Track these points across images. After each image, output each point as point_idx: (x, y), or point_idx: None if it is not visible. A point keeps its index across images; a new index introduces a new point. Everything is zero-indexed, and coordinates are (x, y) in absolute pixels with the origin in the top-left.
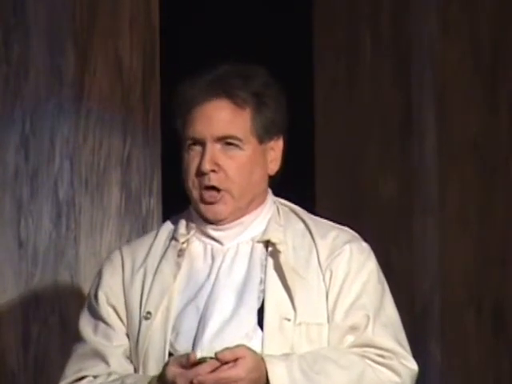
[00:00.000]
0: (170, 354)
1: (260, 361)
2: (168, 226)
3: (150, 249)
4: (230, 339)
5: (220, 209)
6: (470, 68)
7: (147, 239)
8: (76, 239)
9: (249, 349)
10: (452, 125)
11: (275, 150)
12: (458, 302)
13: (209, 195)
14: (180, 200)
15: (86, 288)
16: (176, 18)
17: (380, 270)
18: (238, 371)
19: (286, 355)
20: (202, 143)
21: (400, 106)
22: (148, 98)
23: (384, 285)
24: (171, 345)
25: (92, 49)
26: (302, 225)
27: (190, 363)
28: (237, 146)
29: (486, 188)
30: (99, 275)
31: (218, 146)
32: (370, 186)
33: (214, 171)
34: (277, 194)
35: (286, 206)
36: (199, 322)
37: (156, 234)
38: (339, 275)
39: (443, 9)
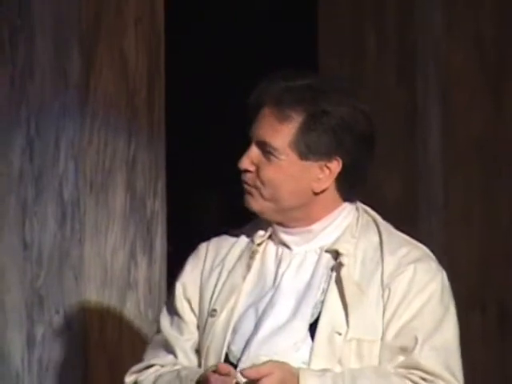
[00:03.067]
0: (226, 354)
1: (293, 375)
2: (253, 225)
3: (231, 247)
4: (277, 347)
5: (250, 201)
6: (474, 66)
7: (233, 236)
8: (81, 240)
9: (278, 363)
10: (457, 124)
11: (324, 170)
12: (462, 303)
13: (244, 187)
14: (184, 201)
15: (91, 288)
16: (181, 19)
17: (447, 291)
18: None
19: (323, 371)
20: (251, 142)
21: (404, 105)
22: (153, 99)
23: (448, 307)
24: (228, 344)
25: (97, 50)
26: (377, 238)
27: (218, 372)
28: (272, 153)
29: (490, 188)
30: (184, 266)
31: (259, 148)
32: (374, 186)
33: (248, 171)
34: None
35: (370, 215)
36: (255, 326)
37: (241, 233)
38: (397, 294)
39: (448, 7)
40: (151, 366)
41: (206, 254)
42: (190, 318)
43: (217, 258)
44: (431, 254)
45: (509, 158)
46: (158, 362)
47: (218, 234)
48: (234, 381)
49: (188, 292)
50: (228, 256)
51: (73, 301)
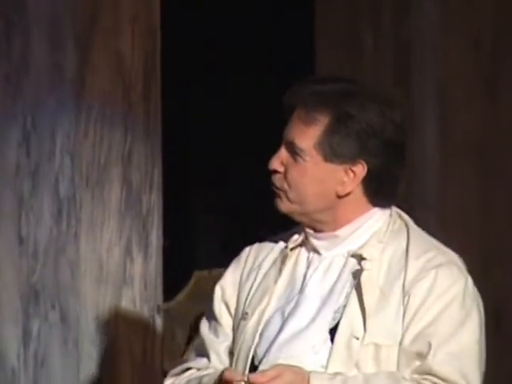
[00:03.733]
0: (253, 357)
1: (303, 377)
2: (292, 231)
3: (269, 252)
4: (296, 350)
5: (278, 203)
6: (471, 64)
7: (272, 242)
8: (76, 235)
9: (288, 366)
10: (453, 122)
11: (348, 174)
12: None
13: (273, 190)
14: (180, 196)
15: (87, 284)
16: (177, 14)
17: (469, 296)
18: None
19: (335, 375)
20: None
21: (401, 104)
22: (149, 94)
23: (470, 313)
24: (255, 347)
25: (93, 45)
26: (405, 243)
27: (223, 382)
28: (298, 154)
29: (486, 186)
30: (227, 269)
31: (288, 150)
32: None
33: (277, 172)
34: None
35: (403, 220)
36: (279, 329)
37: (280, 239)
38: (417, 300)
39: (444, 4)
40: (188, 369)
41: (247, 258)
42: (226, 321)
43: (255, 262)
44: (457, 259)
45: (505, 156)
46: (194, 366)
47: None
48: (239, 380)
49: (226, 295)
50: (265, 260)
51: (68, 296)
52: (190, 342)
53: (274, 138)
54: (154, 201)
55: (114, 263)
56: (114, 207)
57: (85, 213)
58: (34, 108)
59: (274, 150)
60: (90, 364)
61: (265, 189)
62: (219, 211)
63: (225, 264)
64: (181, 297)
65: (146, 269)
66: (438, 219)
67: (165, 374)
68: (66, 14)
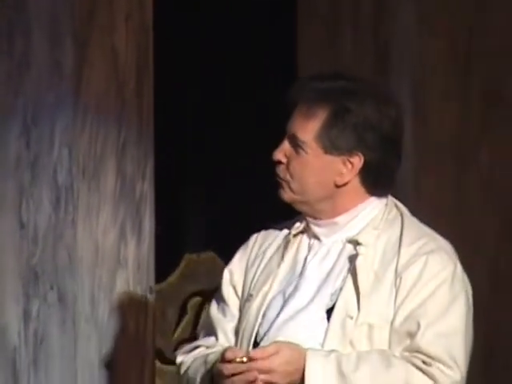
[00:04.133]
0: (256, 336)
1: (300, 354)
2: (295, 219)
3: (274, 238)
4: (295, 329)
5: (282, 193)
6: (447, 63)
7: (277, 229)
8: (74, 221)
9: (286, 343)
10: (428, 118)
11: (346, 165)
12: None
13: (277, 180)
14: (171, 185)
15: (83, 267)
16: (169, 14)
17: (458, 281)
18: (270, 364)
19: (330, 352)
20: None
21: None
22: (142, 90)
23: (457, 296)
24: (258, 327)
25: (90, 44)
26: (399, 230)
27: (225, 360)
28: (300, 146)
29: (462, 181)
30: (235, 254)
31: (290, 142)
32: None
33: (281, 163)
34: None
35: (399, 210)
36: (280, 309)
37: (284, 226)
38: (408, 283)
39: (421, 3)
40: (198, 347)
41: (254, 244)
42: (233, 302)
43: (261, 247)
44: (447, 246)
45: (477, 151)
46: (203, 344)
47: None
48: (239, 360)
49: (234, 278)
50: (270, 246)
51: (66, 277)
52: (180, 321)
53: (262, 128)
54: (146, 189)
55: (108, 247)
56: (109, 195)
57: (81, 201)
58: (34, 103)
59: (260, 141)
60: (86, 342)
61: (250, 180)
62: (207, 199)
63: (211, 248)
64: (172, 278)
65: (139, 252)
66: (412, 214)
67: (156, 351)
68: (64, 14)
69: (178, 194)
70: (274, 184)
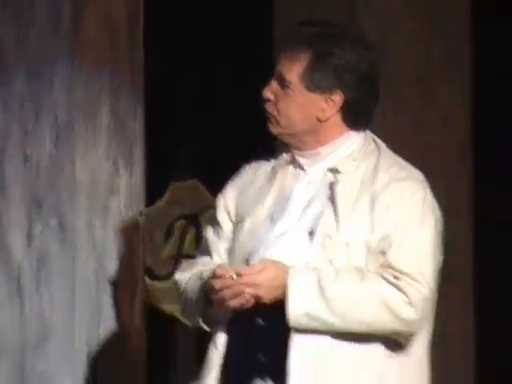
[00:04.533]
0: (247, 255)
1: (284, 271)
2: (282, 153)
3: (264, 168)
4: (281, 249)
5: (270, 127)
6: (408, 16)
7: (266, 161)
8: (73, 157)
9: (272, 261)
10: (391, 58)
11: (328, 102)
12: None
13: (266, 116)
14: (161, 124)
15: (81, 197)
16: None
17: (428, 205)
18: (256, 279)
19: (310, 269)
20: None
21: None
22: (133, 40)
23: (427, 219)
24: (249, 247)
25: (87, 2)
26: (375, 160)
27: (216, 276)
28: (286, 86)
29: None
30: (227, 183)
31: (277, 82)
32: None
33: (269, 100)
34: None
35: (376, 144)
36: (268, 231)
37: (273, 158)
38: (382, 207)
39: None
40: (194, 265)
41: (245, 174)
42: (227, 226)
43: (252, 176)
44: (419, 175)
45: (440, 86)
46: (199, 262)
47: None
48: (229, 276)
49: (228, 204)
50: (260, 175)
51: (66, 205)
52: (167, 241)
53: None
54: (137, 127)
55: (103, 178)
56: (103, 132)
57: (79, 138)
58: (35, 54)
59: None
60: (84, 262)
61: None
62: (191, 135)
63: (195, 177)
64: (159, 204)
65: (131, 182)
66: None
67: (146, 268)
68: None
69: (165, 131)
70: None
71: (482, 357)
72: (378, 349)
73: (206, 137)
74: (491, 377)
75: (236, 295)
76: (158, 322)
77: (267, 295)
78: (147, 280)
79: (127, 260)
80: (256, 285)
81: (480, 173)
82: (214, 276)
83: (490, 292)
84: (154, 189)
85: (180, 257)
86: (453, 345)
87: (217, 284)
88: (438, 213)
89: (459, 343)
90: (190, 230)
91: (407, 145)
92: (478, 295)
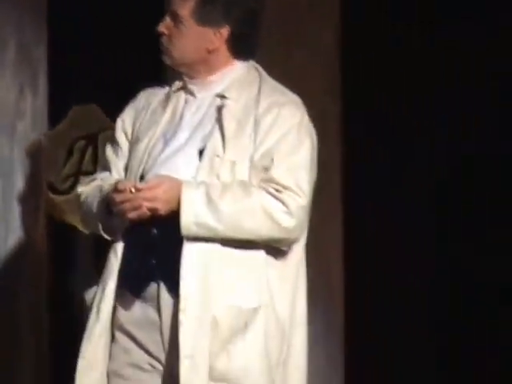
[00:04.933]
0: (142, 172)
1: (177, 185)
2: (176, 80)
3: (157, 94)
4: (173, 165)
5: (165, 58)
6: None
7: (161, 87)
8: None
9: (166, 176)
10: None
11: (216, 35)
12: None
13: (161, 48)
14: (65, 50)
15: None
16: None
17: (304, 128)
18: (153, 193)
19: (200, 183)
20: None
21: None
22: None
23: (304, 140)
24: (143, 165)
25: None
26: (258, 87)
27: (117, 190)
28: (179, 21)
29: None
30: (126, 106)
31: (171, 17)
32: None
33: (163, 34)
34: None
35: (259, 73)
36: (161, 149)
37: (167, 85)
38: (265, 127)
39: None
40: (95, 179)
41: (141, 98)
42: (124, 145)
43: (147, 101)
44: (298, 100)
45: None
46: (99, 177)
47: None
48: (129, 187)
49: (125, 125)
50: (154, 100)
51: None
52: (68, 160)
53: None
54: (41, 56)
55: (10, 103)
56: (10, 61)
57: None
58: None
59: None
60: None
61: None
62: (93, 63)
63: (95, 102)
64: (61, 126)
65: (35, 106)
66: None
67: (49, 184)
68: None
69: (72, 60)
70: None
71: (350, 260)
72: (261, 254)
73: (106, 64)
74: (358, 274)
75: (135, 208)
76: (60, 232)
77: (163, 207)
78: (50, 194)
79: (32, 176)
80: (153, 198)
81: (348, 96)
82: (115, 190)
83: (357, 204)
84: (57, 112)
85: (79, 174)
86: (324, 250)
87: (118, 197)
88: (314, 133)
89: (329, 248)
90: (89, 149)
91: (279, 66)
92: (345, 206)
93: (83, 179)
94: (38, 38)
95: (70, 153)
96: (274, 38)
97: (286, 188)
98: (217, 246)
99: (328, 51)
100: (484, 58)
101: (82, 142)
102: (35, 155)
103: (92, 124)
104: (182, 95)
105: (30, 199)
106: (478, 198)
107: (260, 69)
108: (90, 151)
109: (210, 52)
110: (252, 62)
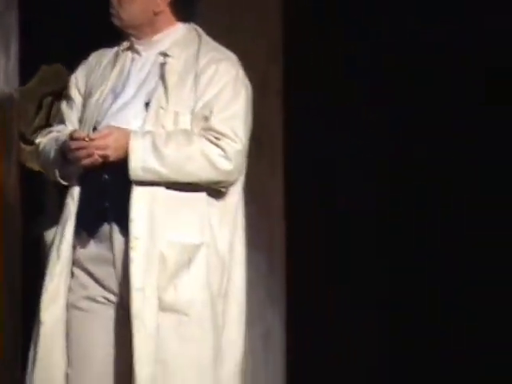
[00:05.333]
0: (95, 123)
1: (127, 135)
2: (124, 41)
3: (107, 54)
4: (123, 117)
5: (114, 20)
6: None
7: (111, 48)
8: None
9: (116, 127)
10: None
11: None
12: None
13: (111, 11)
14: (37, 13)
15: None
16: None
17: (240, 82)
18: (105, 142)
19: (146, 132)
20: None
21: None
22: None
23: (240, 92)
24: (96, 116)
25: None
26: (198, 46)
27: (72, 138)
28: None
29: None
30: (78, 66)
31: None
32: None
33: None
34: None
35: (198, 33)
36: (111, 103)
37: (116, 45)
38: (204, 81)
39: None
40: (52, 132)
41: (93, 58)
42: (78, 100)
43: (98, 60)
44: (234, 57)
45: None
46: (55, 129)
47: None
48: (83, 136)
49: (78, 82)
50: (104, 59)
51: None
52: (37, 114)
53: None
54: (13, 20)
55: None
56: None
57: None
58: None
59: None
60: None
61: None
62: (61, 25)
63: (62, 62)
64: (31, 83)
65: (8, 65)
66: None
67: (20, 134)
68: None
69: (41, 24)
70: None
71: (291, 207)
72: (203, 196)
73: (73, 26)
74: (298, 220)
75: (88, 155)
76: (31, 178)
77: (113, 154)
78: (21, 144)
79: (5, 128)
80: (104, 147)
81: (289, 60)
82: (71, 138)
83: (298, 156)
84: (28, 73)
85: (47, 126)
86: (266, 199)
87: (73, 144)
88: (249, 87)
89: (272, 197)
90: (55, 104)
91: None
92: (286, 158)
93: (41, 131)
94: (10, 5)
95: (40, 107)
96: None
97: (223, 135)
98: (162, 189)
99: (272, 17)
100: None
101: (49, 98)
102: (8, 109)
103: (58, 82)
104: (129, 54)
105: (3, 149)
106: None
107: (200, 30)
108: (56, 106)
109: (155, 14)
110: (193, 24)
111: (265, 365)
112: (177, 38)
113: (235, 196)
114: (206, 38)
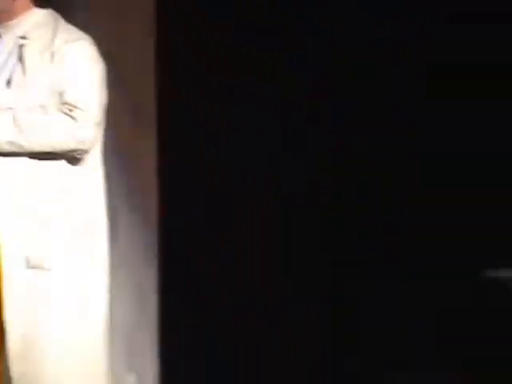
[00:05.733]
0: None
1: None
2: None
3: None
4: None
5: None
6: None
7: None
8: None
9: None
10: None
11: None
12: None
13: None
14: None
15: None
16: None
17: (94, 58)
18: None
19: (8, 109)
20: None
21: None
22: None
23: (93, 67)
24: None
25: None
26: (54, 29)
27: None
28: None
29: None
30: None
31: None
32: None
33: None
34: None
35: (55, 18)
36: None
37: None
38: (60, 59)
39: None
40: None
41: None
42: None
43: None
44: (88, 38)
45: None
46: None
47: None
48: None
49: None
50: None
51: None
52: None
53: None
54: None
55: None
56: None
57: None
58: None
59: None
60: None
61: None
62: None
63: None
64: None
65: None
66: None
67: None
68: None
69: None
70: None
71: (163, 168)
72: (61, 164)
73: None
74: (171, 178)
75: None
76: None
77: None
78: None
79: None
80: None
81: (163, 35)
82: None
83: (171, 121)
84: None
85: None
86: (140, 160)
87: None
88: (101, 64)
89: (145, 159)
90: None
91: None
92: (160, 123)
93: None
94: None
95: None
96: None
97: (77, 108)
98: (25, 159)
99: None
100: None
101: None
102: None
103: None
104: None
105: None
106: None
107: (56, 14)
108: None
109: (14, 0)
110: (50, 10)
111: None
112: (35, 22)
113: (92, 161)
114: (62, 21)
